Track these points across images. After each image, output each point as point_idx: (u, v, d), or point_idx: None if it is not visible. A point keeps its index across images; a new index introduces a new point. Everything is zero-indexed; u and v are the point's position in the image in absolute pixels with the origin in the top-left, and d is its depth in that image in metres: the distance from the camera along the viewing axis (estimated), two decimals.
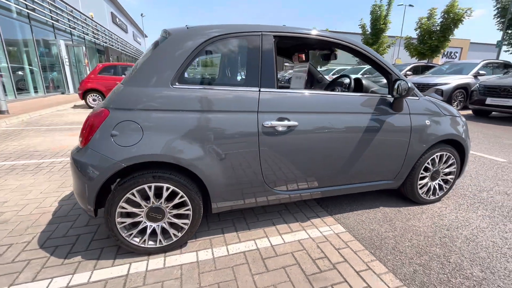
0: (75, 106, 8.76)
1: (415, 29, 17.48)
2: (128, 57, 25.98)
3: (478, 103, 6.57)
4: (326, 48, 2.51)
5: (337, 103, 1.83)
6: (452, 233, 1.94)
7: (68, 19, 12.90)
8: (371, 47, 19.75)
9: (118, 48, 21.87)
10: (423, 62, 12.04)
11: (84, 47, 14.07)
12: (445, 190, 2.38)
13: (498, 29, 13.12)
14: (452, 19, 14.99)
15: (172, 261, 1.60)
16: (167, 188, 1.54)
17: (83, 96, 8.04)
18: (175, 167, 1.58)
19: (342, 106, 1.83)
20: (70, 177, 2.79)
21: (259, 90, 1.66)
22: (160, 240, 1.63)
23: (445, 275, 1.53)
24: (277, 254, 1.69)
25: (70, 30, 13.20)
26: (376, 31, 20.70)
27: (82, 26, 14.46)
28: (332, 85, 2.66)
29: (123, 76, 8.00)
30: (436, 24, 16.22)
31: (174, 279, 1.47)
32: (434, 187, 2.33)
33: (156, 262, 1.60)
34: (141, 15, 37.37)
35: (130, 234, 1.58)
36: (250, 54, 1.66)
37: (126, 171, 1.55)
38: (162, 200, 1.57)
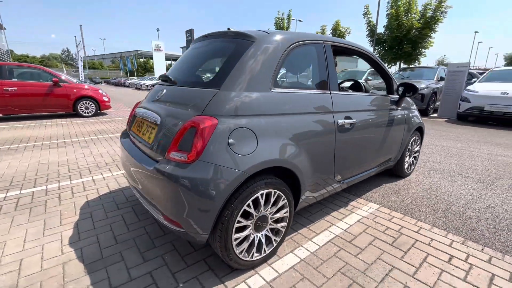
0: None
1: None
2: None
3: None
4: (348, 55, 2.75)
5: (371, 101, 2.24)
6: (438, 192, 2.69)
7: None
8: None
9: None
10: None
11: None
12: (414, 165, 3.20)
13: (369, 46, 17.47)
14: (338, 35, 19.66)
15: (281, 266, 1.58)
16: (274, 193, 1.53)
17: None
18: (275, 170, 1.57)
19: (374, 104, 2.26)
20: (44, 214, 2.08)
21: (330, 93, 1.85)
22: (264, 249, 1.58)
23: (458, 220, 2.16)
24: (355, 235, 1.93)
25: None
26: None
27: None
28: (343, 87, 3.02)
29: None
30: None
31: (300, 280, 1.48)
32: (410, 163, 3.11)
33: (266, 272, 1.54)
34: None
35: (242, 250, 1.47)
36: (319, 60, 1.84)
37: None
38: (268, 206, 1.53)
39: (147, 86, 23.37)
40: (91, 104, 7.44)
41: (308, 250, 1.74)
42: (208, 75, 1.75)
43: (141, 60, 65.34)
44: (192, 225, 1.32)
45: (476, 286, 1.47)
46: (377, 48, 16.26)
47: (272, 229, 1.64)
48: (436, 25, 14.22)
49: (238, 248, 1.45)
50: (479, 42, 70.31)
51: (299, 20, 34.05)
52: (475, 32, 50.37)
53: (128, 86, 30.40)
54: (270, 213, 1.57)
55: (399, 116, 2.56)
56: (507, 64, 16.77)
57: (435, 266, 1.62)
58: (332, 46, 1.97)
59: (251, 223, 1.48)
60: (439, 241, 1.87)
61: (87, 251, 1.67)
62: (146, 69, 59.55)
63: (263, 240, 1.57)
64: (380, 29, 16.45)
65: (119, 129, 5.65)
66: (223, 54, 1.68)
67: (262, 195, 1.46)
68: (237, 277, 1.49)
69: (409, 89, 2.44)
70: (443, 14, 13.99)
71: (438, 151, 4.23)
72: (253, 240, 1.53)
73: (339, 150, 1.89)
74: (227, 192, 1.29)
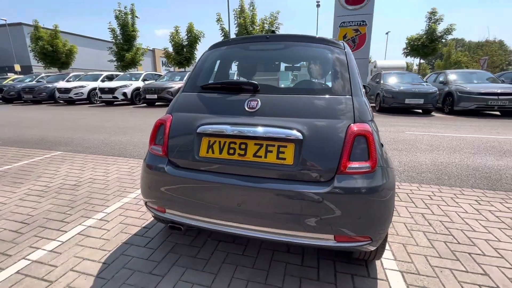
0: None
1: (169, 41, 20.72)
2: None
3: None
4: None
5: None
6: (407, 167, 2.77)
7: None
8: (127, 53, 20.39)
9: None
10: None
11: None
12: None
13: None
14: (194, 37, 20.06)
15: None
16: None
17: None
18: None
19: None
20: None
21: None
22: None
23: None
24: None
25: None
26: (128, 37, 20.47)
27: None
28: None
29: None
30: (185, 39, 20.37)
31: None
32: None
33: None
34: None
35: None
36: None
37: None
38: None
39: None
40: None
41: None
42: (311, 80, 1.74)
43: None
44: (380, 233, 1.34)
45: None
46: None
47: None
48: None
49: None
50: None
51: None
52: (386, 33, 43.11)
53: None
54: None
55: None
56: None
57: None
58: None
59: None
60: None
61: None
62: None
63: None
64: (233, 36, 17.99)
65: None
66: (319, 60, 1.73)
67: None
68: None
69: None
70: (277, 29, 16.75)
71: None
72: None
73: None
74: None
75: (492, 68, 30.99)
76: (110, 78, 14.36)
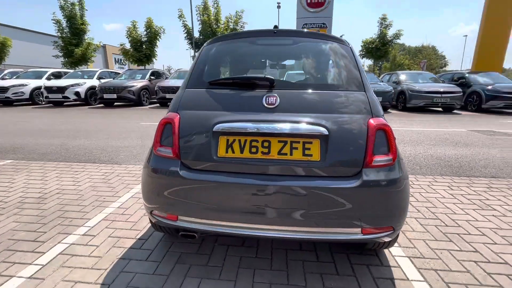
0: None
1: (126, 37, 19.12)
2: None
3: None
4: None
5: None
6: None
7: None
8: (76, 49, 18.43)
9: None
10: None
11: None
12: None
13: (189, 48, 18.74)
14: (153, 33, 18.91)
15: None
16: None
17: None
18: None
19: None
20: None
21: None
22: None
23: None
24: None
25: None
26: (76, 31, 18.35)
27: None
28: None
29: None
30: (144, 35, 19.10)
31: None
32: None
33: None
34: None
35: None
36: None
37: None
38: None
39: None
40: None
41: None
42: (323, 76, 1.72)
43: None
44: (401, 222, 1.39)
45: None
46: (197, 50, 17.28)
47: None
48: None
49: None
50: None
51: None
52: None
53: None
54: None
55: None
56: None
57: None
58: None
59: None
60: None
61: None
62: None
63: None
64: (197, 34, 17.86)
65: None
66: (328, 56, 1.73)
67: None
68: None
69: None
70: (241, 28, 16.64)
71: None
72: None
73: None
74: None
75: (430, 70, 35.34)
76: (57, 76, 12.82)
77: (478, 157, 3.97)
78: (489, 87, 9.49)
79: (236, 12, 16.75)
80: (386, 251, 1.81)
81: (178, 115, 1.49)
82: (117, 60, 41.85)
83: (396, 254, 1.77)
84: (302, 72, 1.75)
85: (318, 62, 1.74)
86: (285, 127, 1.34)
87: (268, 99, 1.44)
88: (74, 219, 2.21)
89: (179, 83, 10.53)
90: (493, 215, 2.29)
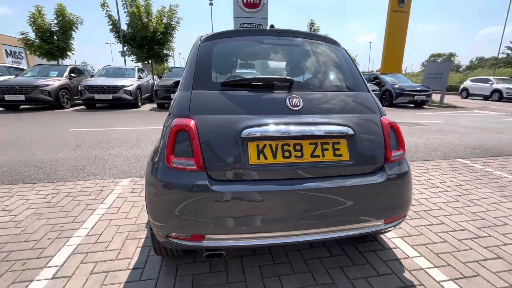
0: None
1: (29, 25, 15.03)
2: None
3: None
4: None
5: None
6: None
7: None
8: None
9: None
10: None
11: None
12: None
13: (116, 43, 15.60)
14: (68, 23, 15.47)
15: None
16: None
17: None
18: None
19: None
20: None
21: None
22: None
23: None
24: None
25: None
26: None
27: None
28: None
29: None
30: (54, 24, 15.44)
31: None
32: None
33: None
34: None
35: None
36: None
37: None
38: None
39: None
40: None
41: None
42: (331, 77, 1.73)
43: None
44: (409, 208, 1.55)
45: None
46: (125, 45, 15.81)
47: None
48: (173, 32, 15.41)
49: None
50: None
51: None
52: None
53: None
54: None
55: None
56: None
57: None
58: None
59: None
60: None
61: None
62: None
63: None
64: (124, 26, 15.62)
65: None
66: (332, 58, 1.78)
67: None
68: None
69: None
70: (176, 23, 15.28)
71: None
72: None
73: None
74: None
75: None
76: None
77: (408, 145, 4.80)
78: (396, 86, 11.58)
79: (170, 6, 15.28)
80: (382, 235, 2.02)
81: (192, 121, 1.30)
82: (10, 52, 33.62)
83: (390, 236, 2.00)
84: (312, 73, 1.76)
85: (326, 63, 1.77)
86: (317, 128, 1.34)
87: (292, 101, 1.41)
88: (28, 260, 1.70)
89: (110, 81, 9.25)
90: (439, 191, 2.82)
